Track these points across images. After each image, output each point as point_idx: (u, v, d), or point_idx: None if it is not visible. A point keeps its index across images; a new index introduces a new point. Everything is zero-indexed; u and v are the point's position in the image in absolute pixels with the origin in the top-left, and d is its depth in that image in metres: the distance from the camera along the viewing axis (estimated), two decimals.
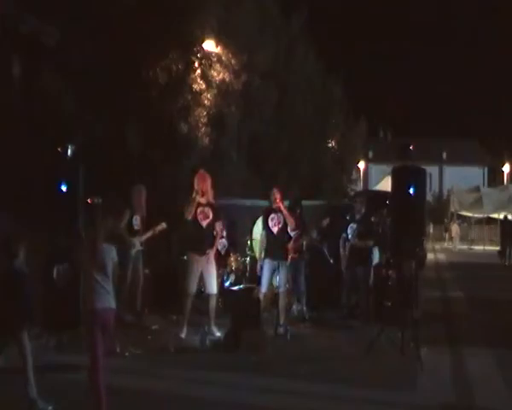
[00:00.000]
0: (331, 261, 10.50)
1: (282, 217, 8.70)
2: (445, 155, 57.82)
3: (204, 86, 13.45)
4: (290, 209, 9.05)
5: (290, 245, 9.26)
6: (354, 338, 8.42)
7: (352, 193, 21.81)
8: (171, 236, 10.02)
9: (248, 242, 10.86)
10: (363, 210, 9.75)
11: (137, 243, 8.89)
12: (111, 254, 5.30)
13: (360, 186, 35.46)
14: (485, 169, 57.23)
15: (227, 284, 10.20)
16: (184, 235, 9.04)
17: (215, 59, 13.70)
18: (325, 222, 10.23)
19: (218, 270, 8.83)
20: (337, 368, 7.08)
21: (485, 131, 58.97)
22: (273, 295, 9.11)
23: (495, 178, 49.94)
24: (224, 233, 9.92)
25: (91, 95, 11.43)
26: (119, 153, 11.68)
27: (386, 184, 17.81)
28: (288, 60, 19.26)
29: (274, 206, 8.72)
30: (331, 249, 10.49)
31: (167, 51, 12.67)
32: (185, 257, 8.77)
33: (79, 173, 7.85)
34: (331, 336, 8.77)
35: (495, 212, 30.97)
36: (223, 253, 10.16)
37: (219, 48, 13.81)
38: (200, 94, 13.39)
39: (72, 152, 8.12)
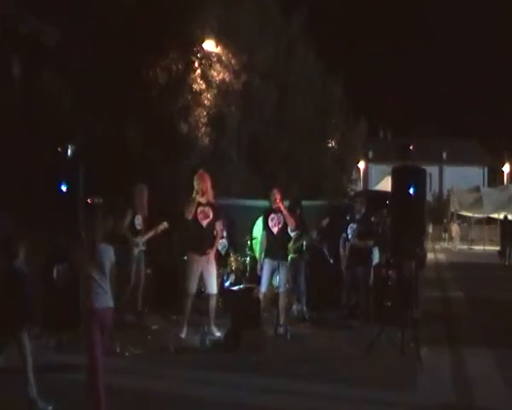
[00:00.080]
0: (331, 261, 10.50)
1: (282, 217, 8.70)
2: (445, 155, 57.84)
3: (204, 86, 13.45)
4: (290, 209, 9.05)
5: (290, 245, 9.27)
6: (354, 338, 8.42)
7: (352, 193, 21.82)
8: (171, 236, 10.02)
9: (248, 242, 10.86)
10: (363, 210, 9.75)
11: (140, 243, 8.90)
12: (109, 253, 5.31)
13: (360, 186, 35.48)
14: (485, 169, 57.25)
15: (227, 284, 10.20)
16: (184, 235, 9.04)
17: (215, 59, 13.70)
18: (325, 222, 10.23)
19: (218, 270, 8.84)
20: (337, 368, 7.08)
21: (485, 131, 58.92)
22: (273, 295, 9.12)
23: (495, 178, 49.96)
24: (225, 233, 9.92)
25: (91, 95, 11.43)
26: (119, 153, 11.67)
27: (386, 184, 17.82)
28: (288, 60, 19.27)
29: (274, 206, 8.72)
30: (331, 249, 10.49)
31: (167, 51, 12.67)
32: (185, 257, 8.77)
33: (79, 173, 7.84)
34: (331, 336, 8.77)
35: (495, 212, 30.98)
36: (223, 253, 10.17)
37: (219, 48, 13.81)
38: (200, 94, 13.39)
39: (72, 152, 8.12)
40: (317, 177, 20.32)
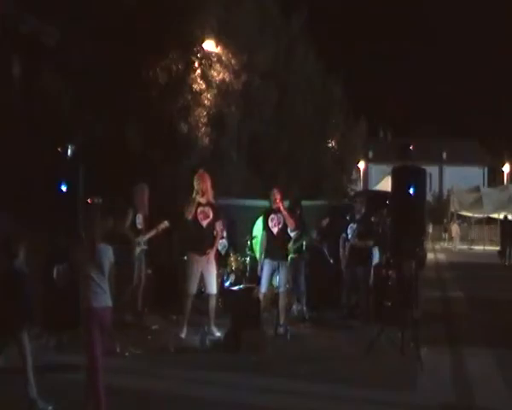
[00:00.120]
0: (331, 261, 10.50)
1: (282, 217, 8.70)
2: (445, 155, 57.84)
3: (204, 86, 13.44)
4: (290, 210, 9.05)
5: (290, 245, 9.27)
6: (354, 338, 8.43)
7: (352, 193, 21.81)
8: (171, 236, 10.02)
9: (248, 242, 10.86)
10: (363, 210, 9.75)
11: (142, 242, 8.91)
12: (108, 253, 5.31)
13: (360, 186, 35.47)
14: (485, 169, 57.26)
15: (227, 284, 10.20)
16: (184, 235, 9.04)
17: (215, 59, 13.69)
18: (325, 222, 10.24)
19: (218, 270, 8.84)
20: (337, 368, 7.08)
21: (485, 131, 58.96)
22: (273, 295, 9.12)
23: (495, 178, 49.96)
24: (225, 233, 9.92)
25: (91, 95, 11.43)
26: (119, 153, 11.67)
27: (386, 184, 17.81)
28: (288, 60, 19.25)
29: (274, 206, 8.72)
30: (331, 249, 10.49)
31: (167, 51, 12.67)
32: (185, 257, 8.77)
33: (79, 173, 7.85)
34: (331, 336, 8.77)
35: (495, 212, 30.99)
36: (223, 253, 10.17)
37: (219, 48, 13.81)
38: (200, 94, 13.39)
39: (72, 152, 8.12)
40: (317, 177, 20.31)
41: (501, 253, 23.61)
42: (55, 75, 11.32)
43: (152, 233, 9.01)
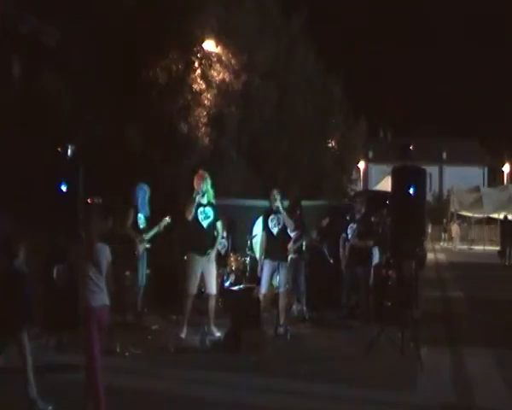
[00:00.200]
0: (331, 261, 10.50)
1: (282, 218, 8.71)
2: (445, 155, 57.83)
3: (204, 86, 13.44)
4: (290, 210, 9.05)
5: (290, 245, 9.27)
6: (354, 338, 8.43)
7: (352, 193, 21.80)
8: (171, 236, 10.02)
9: (248, 242, 10.86)
10: (363, 210, 9.76)
11: (145, 241, 8.92)
12: (106, 253, 5.32)
13: (360, 186, 35.44)
14: (485, 169, 57.25)
15: (227, 284, 10.20)
16: (185, 235, 9.04)
17: (215, 59, 13.68)
18: (325, 222, 10.24)
19: (218, 270, 8.85)
20: (337, 368, 7.09)
21: (485, 131, 58.96)
22: (273, 295, 9.12)
23: (495, 178, 49.95)
24: (225, 233, 9.93)
25: (91, 95, 11.43)
26: (119, 153, 11.68)
27: (386, 184, 17.80)
28: (288, 60, 19.23)
29: (273, 207, 8.72)
30: (331, 249, 10.49)
31: (167, 51, 12.67)
32: (185, 257, 8.77)
33: (79, 173, 7.85)
34: (331, 336, 8.77)
35: (495, 212, 30.98)
36: (223, 253, 10.17)
37: (219, 48, 13.80)
38: (200, 94, 13.39)
39: (72, 152, 8.12)
40: (317, 177, 20.29)
41: (501, 253, 23.60)
42: (55, 75, 11.32)
43: (154, 231, 9.02)
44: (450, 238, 33.15)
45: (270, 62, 16.75)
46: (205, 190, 8.35)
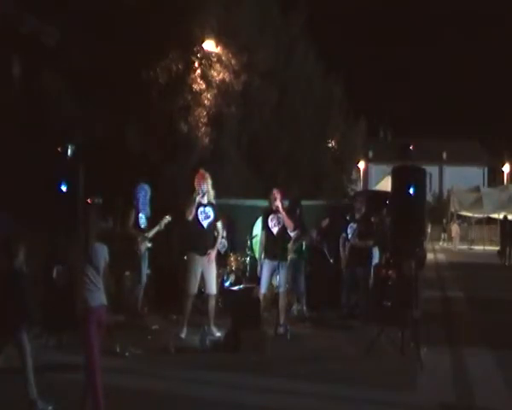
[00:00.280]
0: (331, 261, 10.50)
1: (281, 217, 8.70)
2: (445, 155, 57.78)
3: (204, 86, 13.44)
4: (290, 210, 9.05)
5: (290, 245, 9.27)
6: (354, 338, 8.43)
7: (352, 193, 21.79)
8: (171, 235, 10.03)
9: (248, 242, 10.86)
10: (363, 210, 9.75)
11: (147, 240, 8.93)
12: (103, 252, 5.33)
13: (360, 186, 35.45)
14: (485, 169, 57.21)
15: (227, 284, 10.20)
16: (185, 235, 9.05)
17: (215, 59, 13.69)
18: (325, 223, 10.24)
19: (218, 270, 8.85)
20: (337, 368, 7.08)
21: (485, 131, 58.98)
22: (273, 295, 9.12)
23: (495, 178, 49.93)
24: (225, 233, 9.93)
25: (91, 95, 11.43)
26: (119, 153, 11.68)
27: (386, 184, 17.82)
28: (288, 60, 19.24)
29: (273, 206, 8.72)
30: (331, 249, 10.49)
31: (167, 51, 12.67)
32: (185, 257, 8.77)
33: (79, 173, 7.85)
34: (331, 336, 8.77)
35: (495, 212, 30.98)
36: (222, 253, 10.17)
37: (219, 48, 13.80)
38: (200, 94, 13.39)
39: (72, 152, 8.12)
40: (317, 177, 20.29)
41: (501, 253, 23.60)
42: (55, 75, 11.33)
43: (155, 230, 9.02)
44: (450, 238, 33.15)
45: (270, 62, 16.75)
46: (205, 191, 8.36)
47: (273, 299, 9.08)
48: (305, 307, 9.77)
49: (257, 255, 9.37)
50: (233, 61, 14.09)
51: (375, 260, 10.16)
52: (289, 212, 8.91)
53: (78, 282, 5.26)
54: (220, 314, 8.67)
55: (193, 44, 13.27)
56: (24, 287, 5.49)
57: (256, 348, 7.47)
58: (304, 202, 10.30)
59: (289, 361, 7.35)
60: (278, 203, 8.63)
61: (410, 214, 7.70)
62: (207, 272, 8.34)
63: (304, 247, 9.85)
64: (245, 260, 10.71)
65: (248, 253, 10.77)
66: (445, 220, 36.03)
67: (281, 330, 8.51)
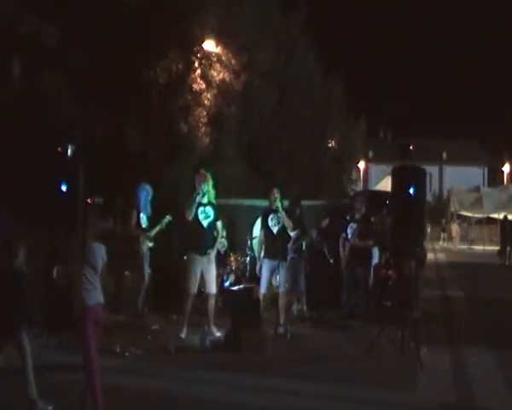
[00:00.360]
0: (331, 261, 10.51)
1: (281, 217, 8.70)
2: (445, 155, 57.82)
3: (204, 86, 13.44)
4: (290, 210, 9.05)
5: (290, 245, 9.27)
6: (354, 338, 8.43)
7: (352, 193, 21.79)
8: (171, 235, 10.03)
9: (248, 242, 10.86)
10: (363, 210, 9.75)
11: (149, 239, 8.93)
12: (101, 252, 5.33)
13: (360, 186, 35.45)
14: (485, 169, 57.25)
15: (227, 284, 10.20)
16: (185, 235, 9.05)
17: (215, 59, 13.68)
18: (325, 223, 10.24)
19: (218, 270, 8.85)
20: (337, 368, 7.08)
21: (485, 131, 58.97)
22: (273, 295, 9.11)
23: (495, 178, 49.94)
24: (224, 233, 9.93)
25: (91, 95, 11.43)
26: (119, 153, 11.68)
27: (386, 184, 17.80)
28: (288, 60, 19.24)
29: (273, 206, 8.72)
30: (331, 249, 10.49)
31: (167, 51, 12.67)
32: (185, 257, 8.77)
33: (79, 173, 7.85)
34: (331, 336, 8.77)
35: (495, 212, 30.98)
36: (222, 253, 10.17)
37: (219, 48, 13.80)
38: (200, 94, 13.39)
39: (72, 152, 8.13)
40: (317, 177, 20.29)
41: (501, 253, 23.60)
42: (55, 75, 11.32)
43: (157, 229, 9.03)
44: (450, 238, 33.15)
45: (270, 62, 16.74)
46: (206, 191, 8.36)
47: (273, 299, 9.07)
48: (305, 307, 9.77)
49: (256, 255, 9.37)
50: (233, 61, 14.09)
51: (375, 260, 10.16)
52: (289, 212, 8.91)
53: (76, 281, 5.26)
54: (220, 314, 8.68)
55: (193, 44, 13.27)
56: (24, 287, 5.49)
57: (256, 348, 7.47)
58: (304, 202, 10.30)
59: (289, 361, 7.36)
60: (278, 203, 8.63)
61: (410, 214, 7.70)
62: (207, 272, 8.34)
63: (304, 247, 9.84)
64: (245, 260, 10.71)
65: (248, 253, 10.77)
66: (444, 220, 36.04)
67: (281, 330, 8.51)
